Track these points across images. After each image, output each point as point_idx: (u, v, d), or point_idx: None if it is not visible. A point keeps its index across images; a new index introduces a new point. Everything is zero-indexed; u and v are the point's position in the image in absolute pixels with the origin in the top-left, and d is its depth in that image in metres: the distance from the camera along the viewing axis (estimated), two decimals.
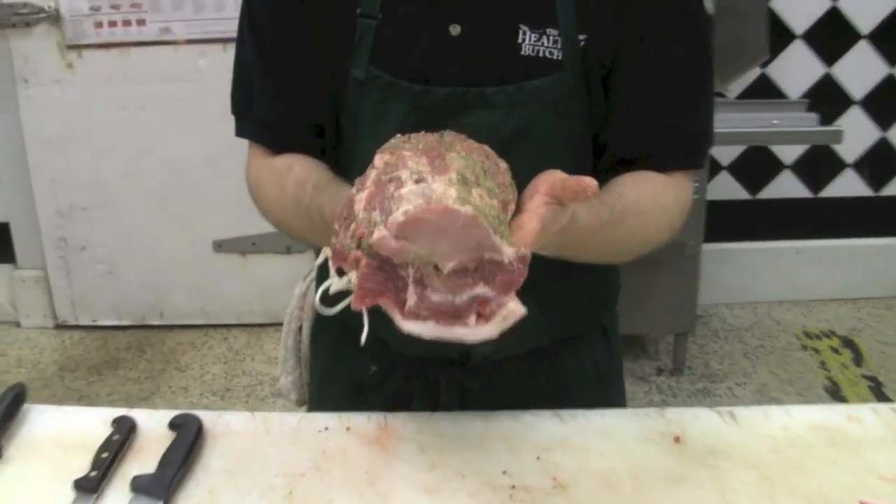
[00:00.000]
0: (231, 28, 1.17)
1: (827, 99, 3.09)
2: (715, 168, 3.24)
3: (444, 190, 0.75)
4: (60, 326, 3.32)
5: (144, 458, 1.00)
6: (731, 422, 1.07)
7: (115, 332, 3.29)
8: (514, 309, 0.79)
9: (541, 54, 1.03)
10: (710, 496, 0.95)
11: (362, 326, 0.84)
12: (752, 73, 3.09)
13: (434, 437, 1.04)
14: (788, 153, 3.27)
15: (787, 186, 3.31)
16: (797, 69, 3.13)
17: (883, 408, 1.09)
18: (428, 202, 0.74)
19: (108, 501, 0.94)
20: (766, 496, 0.95)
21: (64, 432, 1.05)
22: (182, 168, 3.10)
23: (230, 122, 1.14)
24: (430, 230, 0.75)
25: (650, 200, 1.05)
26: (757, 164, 3.28)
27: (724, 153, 3.25)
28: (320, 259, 0.87)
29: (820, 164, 3.28)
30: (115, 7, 2.92)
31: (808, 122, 2.66)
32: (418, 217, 0.74)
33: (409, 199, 0.75)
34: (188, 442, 1.00)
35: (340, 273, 0.82)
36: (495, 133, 1.01)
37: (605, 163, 1.09)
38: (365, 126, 1.06)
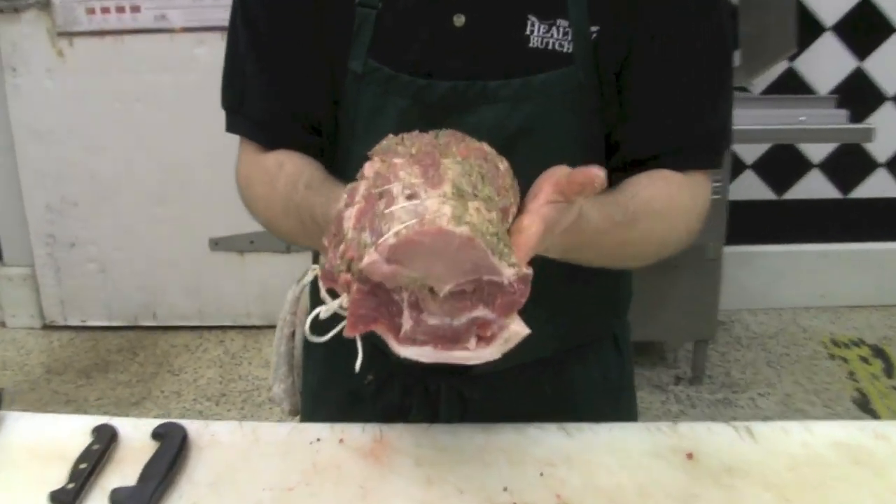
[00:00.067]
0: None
1: (858, 95, 3.07)
2: (738, 167, 3.23)
3: (437, 207, 0.73)
4: (48, 327, 3.33)
5: (125, 470, 0.99)
6: (747, 437, 1.06)
7: (106, 334, 3.29)
8: (517, 330, 0.79)
9: (550, 47, 1.02)
10: None
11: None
12: (779, 67, 3.07)
13: (432, 450, 1.04)
14: (816, 152, 3.26)
15: (814, 186, 3.30)
16: (826, 63, 3.11)
17: None
18: (421, 222, 0.73)
19: None
20: None
21: (41, 441, 1.04)
22: (178, 162, 3.11)
23: None
24: (423, 252, 0.74)
25: (666, 201, 1.05)
26: (783, 163, 3.26)
27: (749, 151, 3.24)
28: (310, 277, 0.87)
29: (850, 164, 3.27)
30: None
31: (837, 119, 2.64)
32: (410, 239, 0.73)
33: (400, 219, 0.73)
34: (172, 453, 1.00)
35: (331, 293, 0.81)
36: (500, 130, 1.00)
37: (618, 163, 1.09)
38: (362, 122, 1.06)
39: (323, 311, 0.86)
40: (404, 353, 0.80)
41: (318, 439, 1.05)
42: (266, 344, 3.21)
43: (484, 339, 0.80)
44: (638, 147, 1.08)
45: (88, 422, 1.06)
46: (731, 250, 3.00)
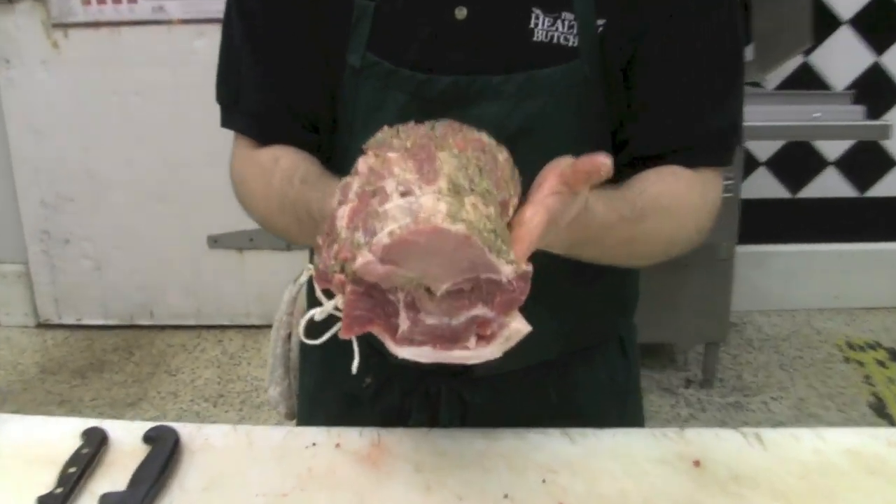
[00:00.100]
0: None
1: (875, 91, 3.07)
2: (751, 164, 3.22)
3: (432, 205, 0.73)
4: (42, 325, 3.34)
5: (115, 475, 0.99)
6: (756, 444, 1.05)
7: (102, 333, 3.30)
8: (518, 328, 0.78)
9: (554, 40, 1.02)
10: None
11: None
12: (794, 62, 3.07)
13: (431, 455, 1.03)
14: (832, 149, 3.25)
15: (830, 184, 3.29)
16: (843, 58, 3.10)
17: None
18: (415, 221, 0.72)
19: None
20: None
21: (30, 444, 1.04)
22: (176, 157, 3.11)
23: None
24: (418, 252, 0.73)
25: (675, 198, 1.04)
26: (797, 161, 3.25)
27: (762, 148, 3.23)
28: (305, 276, 0.86)
29: (866, 161, 3.26)
30: None
31: (853, 115, 2.63)
32: (405, 239, 0.72)
33: (394, 217, 0.73)
34: (163, 457, 1.00)
35: (326, 293, 0.81)
36: (502, 126, 0.99)
37: (625, 160, 1.08)
38: (361, 118, 1.05)
39: (318, 313, 0.86)
40: (402, 353, 0.79)
41: (314, 444, 1.05)
42: (265, 344, 3.18)
43: (484, 338, 0.79)
44: (646, 144, 1.07)
45: (78, 424, 1.06)
46: (743, 250, 3.00)
